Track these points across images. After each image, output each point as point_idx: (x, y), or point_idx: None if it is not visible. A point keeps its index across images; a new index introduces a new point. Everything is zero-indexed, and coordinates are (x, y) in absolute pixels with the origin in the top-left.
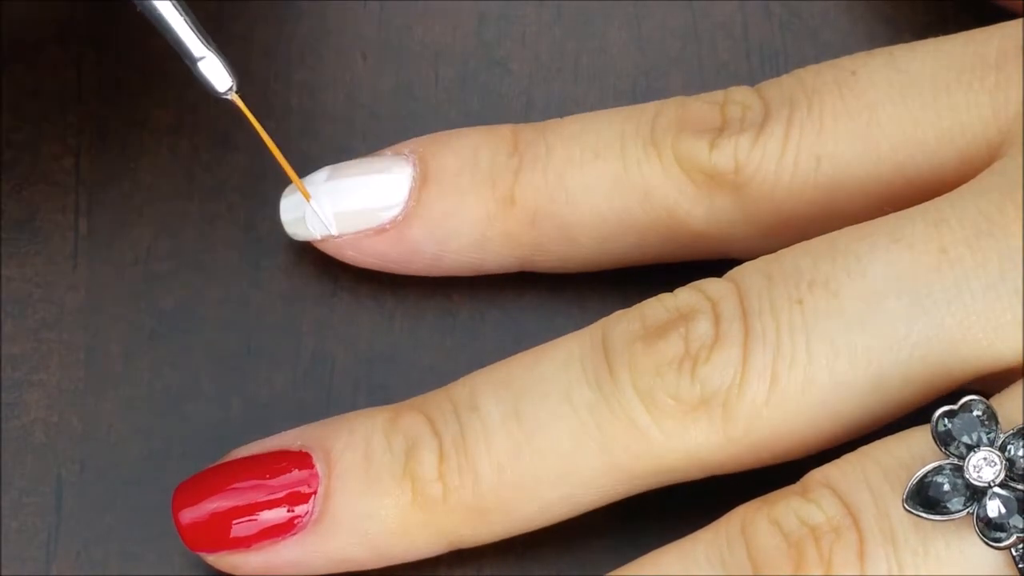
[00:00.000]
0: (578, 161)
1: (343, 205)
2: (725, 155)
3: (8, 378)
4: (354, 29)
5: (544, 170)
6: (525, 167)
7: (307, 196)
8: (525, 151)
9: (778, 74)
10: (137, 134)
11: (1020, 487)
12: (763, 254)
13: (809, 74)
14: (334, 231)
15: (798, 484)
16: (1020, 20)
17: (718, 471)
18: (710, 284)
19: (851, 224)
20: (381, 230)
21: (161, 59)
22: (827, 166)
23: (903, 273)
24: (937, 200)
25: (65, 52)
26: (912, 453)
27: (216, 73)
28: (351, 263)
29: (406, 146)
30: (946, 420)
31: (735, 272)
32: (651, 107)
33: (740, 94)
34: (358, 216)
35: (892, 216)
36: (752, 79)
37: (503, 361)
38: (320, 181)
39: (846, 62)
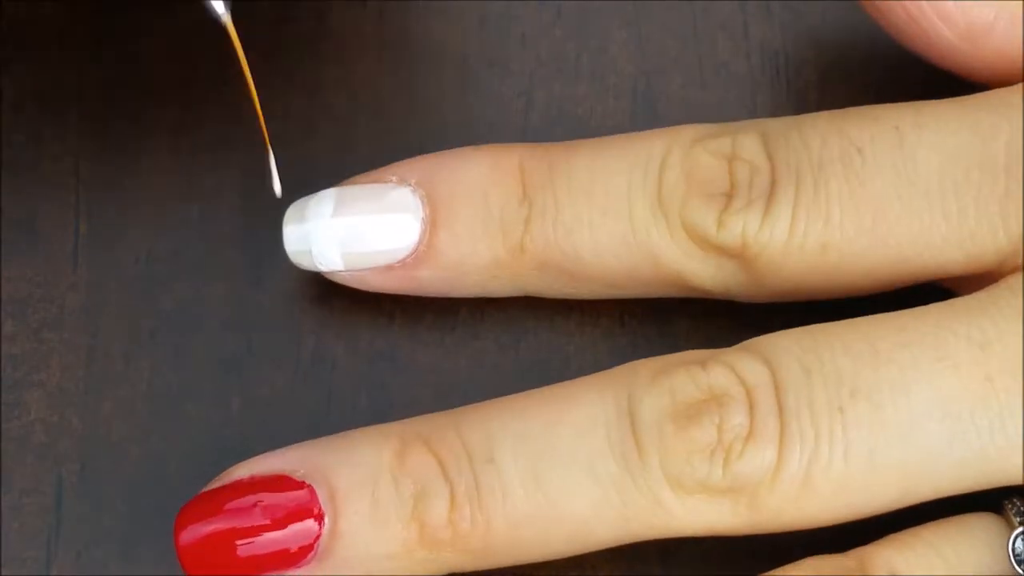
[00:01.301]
0: (586, 221)
1: (351, 245)
2: (732, 233)
3: (8, 378)
4: (354, 29)
5: (553, 224)
6: (535, 218)
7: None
8: (534, 198)
9: (778, 74)
10: (137, 134)
11: None
12: (770, 302)
13: (816, 138)
14: (340, 267)
15: (855, 560)
16: (1015, 104)
17: (730, 535)
18: (743, 363)
19: (858, 291)
20: (390, 268)
21: (161, 59)
22: (833, 254)
23: (948, 398)
24: (977, 313)
25: (65, 52)
26: (979, 558)
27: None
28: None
29: (411, 173)
30: (1021, 541)
31: (767, 349)
32: (658, 148)
33: (747, 148)
34: (366, 256)
35: (932, 322)
36: (752, 79)
37: (519, 401)
38: (328, 214)
39: (852, 130)
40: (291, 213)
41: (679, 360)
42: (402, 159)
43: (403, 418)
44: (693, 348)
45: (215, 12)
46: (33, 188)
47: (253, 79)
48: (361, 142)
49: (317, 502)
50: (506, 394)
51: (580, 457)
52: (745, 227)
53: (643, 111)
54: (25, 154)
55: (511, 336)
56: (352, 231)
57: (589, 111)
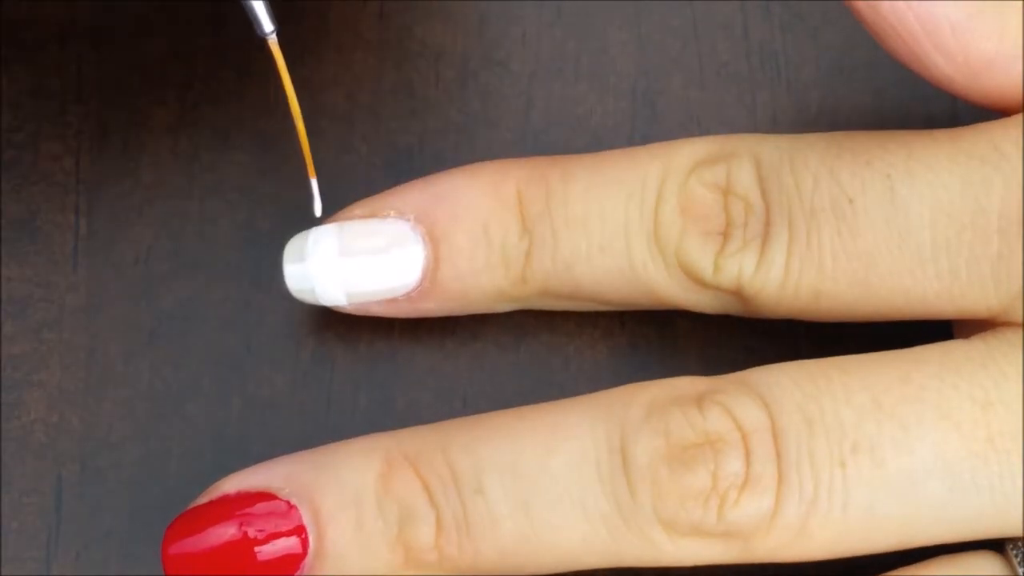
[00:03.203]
0: (584, 255)
1: (354, 286)
2: (728, 276)
3: (8, 378)
4: (354, 29)
5: (552, 257)
6: (535, 251)
7: (312, 174)
8: (533, 230)
9: (778, 74)
10: (137, 134)
11: None
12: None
13: (808, 180)
14: (344, 303)
15: None
16: (1015, 151)
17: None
18: (741, 408)
19: (852, 319)
20: (393, 301)
21: (161, 59)
22: (826, 302)
23: (950, 458)
24: (978, 370)
25: (65, 52)
26: None
27: (263, 14)
28: None
29: (409, 206)
30: None
31: (765, 390)
32: (653, 176)
33: (742, 183)
34: (370, 294)
35: (934, 375)
36: (752, 79)
37: (507, 426)
38: (329, 254)
39: (844, 175)
40: (290, 251)
41: (674, 395)
42: (402, 159)
43: (403, 418)
44: (693, 348)
45: (264, 32)
46: (33, 188)
47: (253, 79)
48: (361, 142)
49: (302, 524)
50: (506, 395)
51: (571, 492)
52: (741, 271)
53: (643, 111)
54: (25, 154)
55: (511, 337)
56: (354, 272)
57: (589, 111)
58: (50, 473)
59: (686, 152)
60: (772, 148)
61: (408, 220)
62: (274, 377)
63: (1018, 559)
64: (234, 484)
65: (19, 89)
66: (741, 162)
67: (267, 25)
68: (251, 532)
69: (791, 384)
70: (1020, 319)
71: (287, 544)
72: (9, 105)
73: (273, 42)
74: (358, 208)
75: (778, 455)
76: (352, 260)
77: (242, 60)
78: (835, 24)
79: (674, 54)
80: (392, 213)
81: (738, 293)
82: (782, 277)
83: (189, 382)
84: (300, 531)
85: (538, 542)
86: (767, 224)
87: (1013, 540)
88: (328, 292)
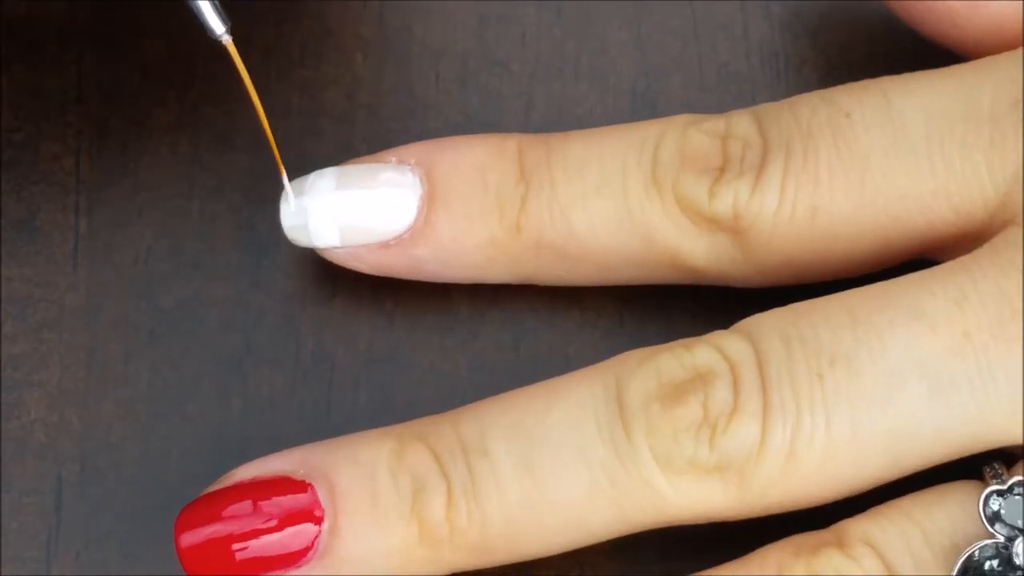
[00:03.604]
0: (581, 197)
1: (348, 220)
2: (724, 203)
3: (8, 378)
4: (354, 29)
5: (549, 202)
6: (531, 197)
7: (282, 171)
8: (531, 178)
9: (778, 74)
10: (137, 134)
11: None
12: (764, 285)
13: (806, 109)
14: (337, 242)
15: (833, 534)
16: (1007, 62)
17: (724, 520)
18: (727, 342)
19: (849, 266)
20: (385, 245)
21: (161, 59)
22: (823, 218)
23: (926, 356)
24: (956, 271)
25: (65, 52)
26: (955, 523)
27: (213, 15)
28: (352, 269)
29: (411, 154)
30: (995, 500)
31: (751, 327)
32: (653, 132)
33: (741, 127)
34: (363, 232)
35: (911, 284)
36: (752, 79)
37: (512, 396)
38: (326, 189)
39: (841, 98)
40: (288, 190)
41: (668, 345)
42: None
43: (403, 418)
44: None
45: (215, 34)
46: (33, 188)
47: (253, 79)
48: (361, 142)
49: (318, 501)
50: None
51: (571, 443)
52: (736, 197)
53: (643, 111)
54: (25, 154)
55: (511, 336)
56: (349, 206)
57: (589, 111)
58: (50, 473)
59: (687, 116)
60: (771, 104)
61: (408, 165)
62: (274, 377)
63: (993, 479)
64: (248, 472)
65: (19, 89)
66: (741, 115)
67: (217, 27)
68: (265, 514)
69: (775, 319)
70: (1018, 210)
71: (303, 525)
72: (9, 105)
73: (228, 42)
74: (362, 158)
75: (762, 381)
76: (347, 193)
77: (242, 60)
78: (835, 24)
79: (674, 54)
80: (394, 160)
81: (735, 226)
82: (778, 197)
83: (189, 382)
84: (316, 510)
85: (542, 500)
86: (764, 154)
87: (991, 463)
88: (321, 227)
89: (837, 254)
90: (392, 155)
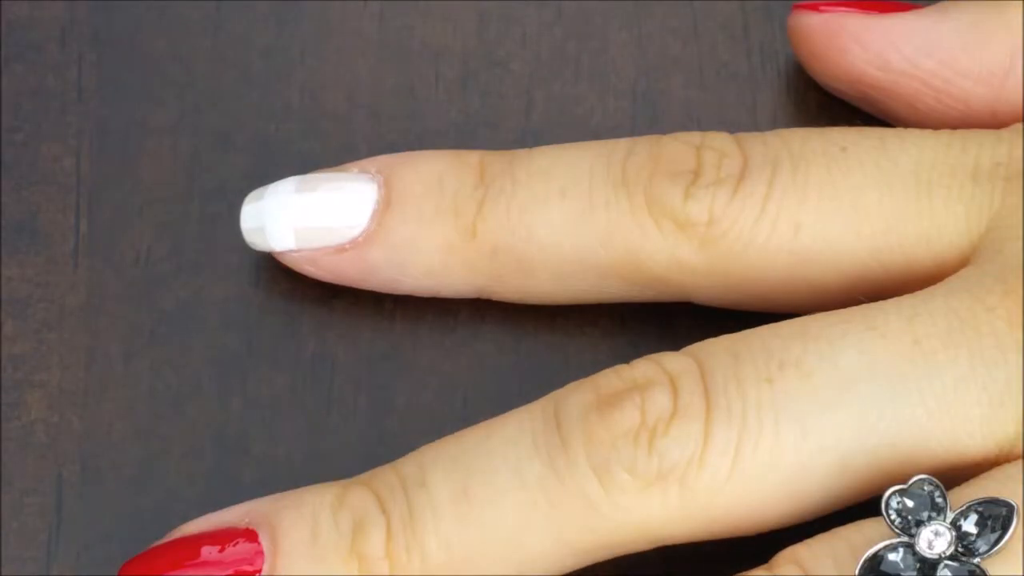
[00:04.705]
0: (543, 198)
1: (303, 221)
2: (700, 205)
3: (9, 378)
4: (354, 29)
5: (508, 205)
6: (489, 200)
7: None
8: (491, 183)
9: (778, 74)
10: (137, 134)
11: (972, 561)
12: (725, 304)
13: (796, 138)
14: (292, 245)
15: (768, 564)
16: (990, 134)
17: (669, 542)
18: (669, 358)
19: (817, 296)
20: (340, 249)
21: (161, 59)
22: (806, 236)
23: (876, 360)
24: (908, 296)
25: (65, 52)
26: (883, 535)
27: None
28: (309, 276)
29: (373, 164)
30: (897, 497)
31: (696, 348)
32: (624, 144)
33: (718, 140)
34: (318, 233)
35: (865, 306)
36: (752, 79)
37: (455, 434)
38: (287, 191)
39: (836, 136)
40: (250, 195)
41: (609, 369)
42: None
43: (403, 419)
44: None
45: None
46: (33, 188)
47: (253, 79)
48: (361, 142)
49: (258, 545)
50: (506, 395)
51: (507, 464)
52: (714, 201)
53: (643, 111)
54: (25, 154)
55: (511, 337)
56: (306, 208)
57: (589, 111)
58: (50, 473)
59: (658, 135)
60: (752, 133)
61: (368, 172)
62: (274, 377)
63: (895, 508)
64: (194, 527)
65: (19, 89)
66: (718, 133)
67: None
68: (206, 563)
69: (723, 339)
70: (978, 254)
71: (243, 559)
72: (9, 105)
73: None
74: (326, 168)
75: (705, 388)
76: (304, 196)
77: (242, 61)
78: None
79: (674, 54)
80: (356, 170)
81: (706, 232)
82: (760, 208)
83: (189, 382)
84: (257, 556)
85: (479, 525)
86: (744, 167)
87: (901, 489)
88: (277, 229)
89: (809, 280)
90: (355, 166)
